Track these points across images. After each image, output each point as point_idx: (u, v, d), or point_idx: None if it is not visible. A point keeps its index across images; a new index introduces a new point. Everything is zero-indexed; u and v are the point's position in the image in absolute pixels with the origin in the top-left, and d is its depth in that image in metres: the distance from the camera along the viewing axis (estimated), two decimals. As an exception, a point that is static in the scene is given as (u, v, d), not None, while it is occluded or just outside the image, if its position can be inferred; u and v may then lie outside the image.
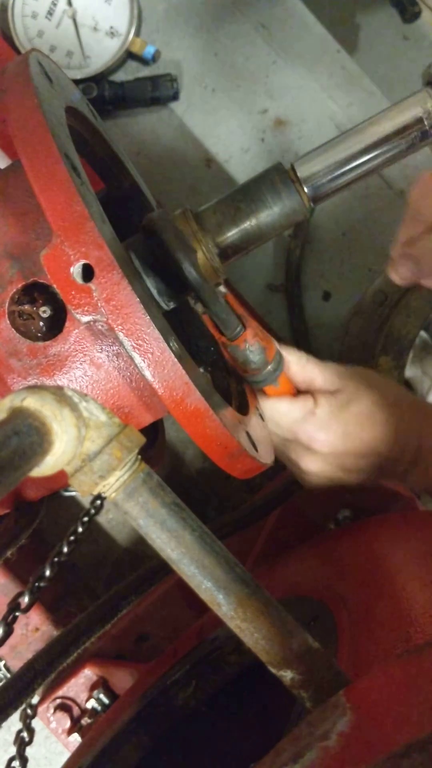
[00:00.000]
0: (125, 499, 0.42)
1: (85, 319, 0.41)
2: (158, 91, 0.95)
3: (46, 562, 0.43)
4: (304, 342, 0.97)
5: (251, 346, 0.53)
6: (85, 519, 0.43)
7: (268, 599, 0.41)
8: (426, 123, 0.49)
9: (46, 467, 0.38)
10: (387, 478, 0.65)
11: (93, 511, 0.43)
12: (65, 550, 0.43)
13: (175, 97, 0.97)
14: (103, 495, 0.42)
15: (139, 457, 0.43)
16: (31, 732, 0.49)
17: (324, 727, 0.31)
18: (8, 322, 0.46)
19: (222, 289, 0.53)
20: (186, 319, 0.53)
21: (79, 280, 0.40)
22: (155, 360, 0.41)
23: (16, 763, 0.48)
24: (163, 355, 0.41)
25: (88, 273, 0.40)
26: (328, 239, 1.00)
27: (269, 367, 0.55)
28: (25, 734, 0.48)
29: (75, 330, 0.45)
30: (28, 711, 0.49)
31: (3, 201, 0.48)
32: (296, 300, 0.98)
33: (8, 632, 0.44)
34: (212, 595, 0.41)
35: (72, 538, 0.43)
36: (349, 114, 0.99)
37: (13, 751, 0.48)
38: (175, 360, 0.41)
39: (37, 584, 0.43)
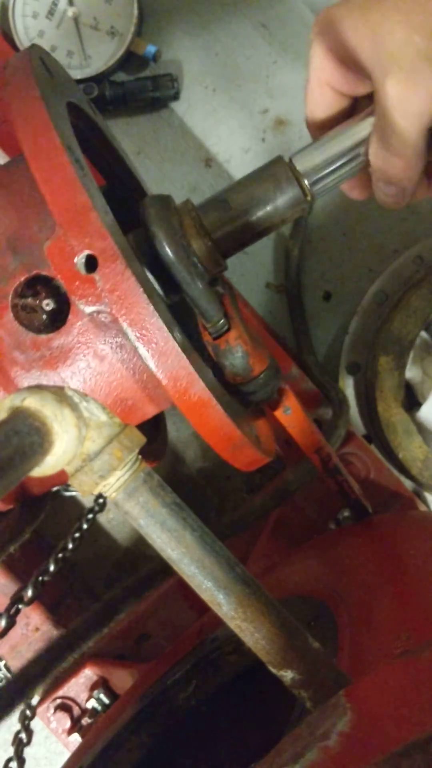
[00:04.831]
0: (125, 499, 0.42)
1: (89, 309, 0.41)
2: (159, 91, 0.95)
3: (50, 557, 0.43)
4: (304, 342, 0.97)
5: (233, 348, 0.50)
6: (90, 516, 0.43)
7: (269, 599, 0.41)
8: None
9: (46, 467, 0.38)
10: None
11: (97, 507, 0.43)
12: (70, 546, 0.43)
13: (175, 97, 0.97)
14: (103, 495, 0.42)
15: (140, 456, 0.43)
16: (29, 733, 0.49)
17: (324, 727, 0.31)
18: (11, 315, 0.46)
19: (220, 290, 0.52)
20: (191, 313, 0.53)
21: (82, 270, 0.41)
22: (159, 350, 0.41)
23: (13, 764, 0.48)
24: (167, 344, 0.41)
25: (91, 263, 0.40)
26: (328, 239, 1.00)
27: (258, 380, 0.52)
28: (23, 735, 0.48)
29: (78, 322, 0.45)
30: (27, 712, 0.49)
31: (5, 194, 0.48)
32: (296, 300, 0.98)
33: (11, 624, 0.44)
34: (213, 595, 0.41)
35: (77, 534, 0.43)
36: (349, 114, 0.99)
37: (12, 751, 0.48)
38: (179, 350, 0.41)
39: (40, 578, 0.43)
